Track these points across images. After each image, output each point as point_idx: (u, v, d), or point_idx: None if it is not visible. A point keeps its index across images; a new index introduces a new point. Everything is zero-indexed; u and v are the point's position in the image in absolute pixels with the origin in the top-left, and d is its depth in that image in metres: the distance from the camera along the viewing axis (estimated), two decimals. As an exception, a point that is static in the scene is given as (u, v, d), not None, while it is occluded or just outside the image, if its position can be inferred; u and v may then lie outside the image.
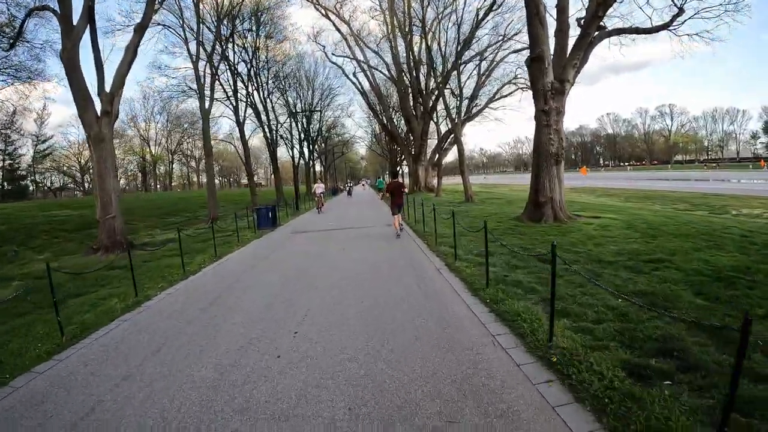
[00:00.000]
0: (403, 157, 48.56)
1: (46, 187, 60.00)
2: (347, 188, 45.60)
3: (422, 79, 31.02)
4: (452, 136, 29.43)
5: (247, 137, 23.68)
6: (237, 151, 28.18)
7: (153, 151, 62.59)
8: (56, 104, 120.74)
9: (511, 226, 10.39)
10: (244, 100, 24.47)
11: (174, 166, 75.99)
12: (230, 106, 23.56)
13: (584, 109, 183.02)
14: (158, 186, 76.94)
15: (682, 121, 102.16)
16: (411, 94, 32.39)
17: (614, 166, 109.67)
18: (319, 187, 19.90)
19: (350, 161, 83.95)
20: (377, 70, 32.34)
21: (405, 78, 31.80)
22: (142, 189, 65.81)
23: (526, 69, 12.88)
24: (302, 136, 38.63)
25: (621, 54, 31.08)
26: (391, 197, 10.28)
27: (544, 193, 10.91)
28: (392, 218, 10.23)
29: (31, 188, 56.48)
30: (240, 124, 23.53)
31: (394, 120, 36.91)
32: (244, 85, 24.38)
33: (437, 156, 31.15)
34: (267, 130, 28.59)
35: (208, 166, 18.22)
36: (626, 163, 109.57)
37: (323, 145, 51.84)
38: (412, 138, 33.43)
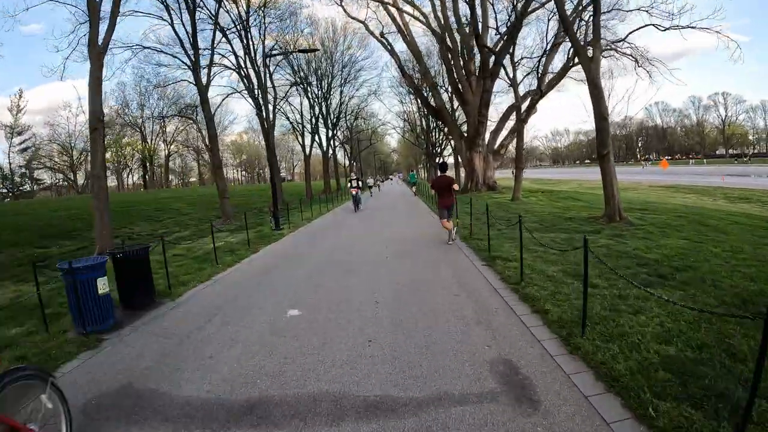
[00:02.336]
0: (444, 144, 38.86)
1: (19, 187, 50.69)
2: (354, 190, 17.11)
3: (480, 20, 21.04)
4: (524, 105, 19.16)
5: (212, 107, 14.75)
6: (200, 131, 19.41)
7: (149, 143, 54.85)
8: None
9: None
10: (210, 48, 15.47)
11: (179, 159, 69.14)
12: (187, 60, 14.69)
13: (631, 100, 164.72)
14: (178, 182, 70.34)
15: (738, 111, 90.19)
16: (461, 56, 22.32)
17: (668, 160, 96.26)
18: None
19: (381, 153, 74.27)
20: (414, 18, 22.85)
21: (454, 31, 21.98)
22: (141, 187, 58.78)
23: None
24: (317, 110, 29.88)
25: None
26: (438, 197, 8.02)
27: None
28: (441, 223, 7.93)
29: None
30: (201, 88, 14.61)
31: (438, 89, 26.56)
32: (213, 20, 15.34)
33: (508, 133, 21.41)
34: (261, 102, 19.50)
35: (92, 150, 8.87)
36: (688, 156, 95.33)
37: (348, 132, 42.51)
38: (465, 115, 23.61)
